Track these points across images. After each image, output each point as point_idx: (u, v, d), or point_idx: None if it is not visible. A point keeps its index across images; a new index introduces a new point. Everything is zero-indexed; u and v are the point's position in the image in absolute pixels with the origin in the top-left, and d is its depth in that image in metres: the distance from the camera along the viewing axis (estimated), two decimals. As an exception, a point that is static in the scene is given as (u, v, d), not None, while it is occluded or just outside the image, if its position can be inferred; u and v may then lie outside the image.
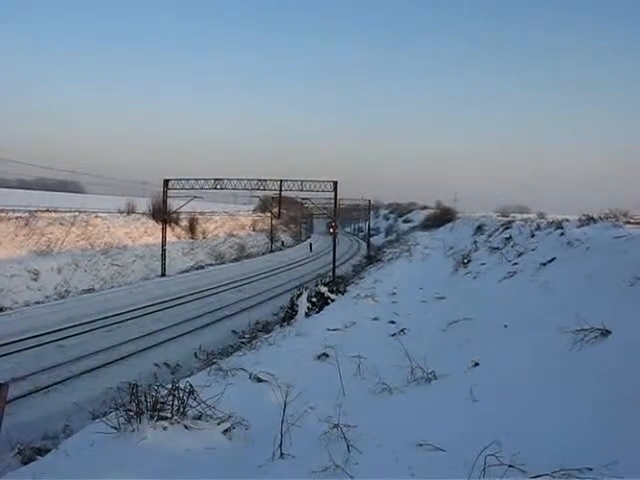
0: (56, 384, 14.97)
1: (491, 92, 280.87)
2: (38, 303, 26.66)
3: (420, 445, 5.63)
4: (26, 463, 8.28)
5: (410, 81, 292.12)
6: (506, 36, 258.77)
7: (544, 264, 14.35)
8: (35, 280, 28.54)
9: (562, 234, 16.54)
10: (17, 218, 31.99)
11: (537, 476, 4.16)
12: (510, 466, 4.50)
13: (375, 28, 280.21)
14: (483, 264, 20.96)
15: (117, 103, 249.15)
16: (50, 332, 20.18)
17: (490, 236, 28.99)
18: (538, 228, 21.67)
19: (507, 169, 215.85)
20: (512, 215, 45.83)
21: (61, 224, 34.80)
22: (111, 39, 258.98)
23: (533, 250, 17.41)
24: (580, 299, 9.52)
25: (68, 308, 25.50)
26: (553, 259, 14.24)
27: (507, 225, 28.67)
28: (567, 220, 20.75)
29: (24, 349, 17.81)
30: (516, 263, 17.06)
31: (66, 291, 29.66)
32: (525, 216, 40.81)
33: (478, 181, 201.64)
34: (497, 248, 22.59)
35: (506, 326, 10.23)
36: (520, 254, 18.13)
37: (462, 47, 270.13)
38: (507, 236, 23.96)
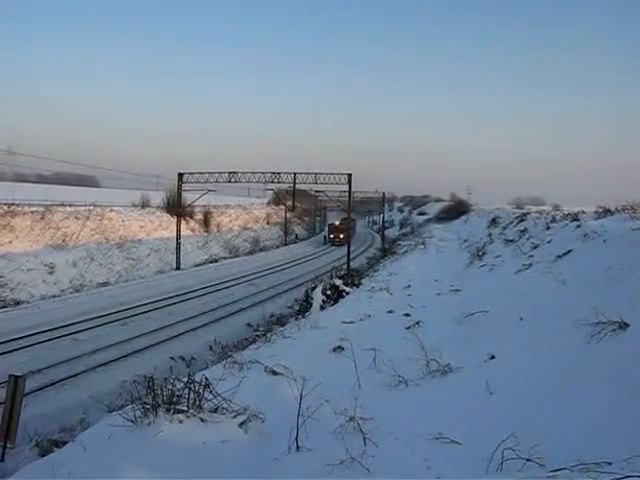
0: (72, 377, 15.12)
1: (504, 85, 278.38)
2: (54, 297, 26.91)
3: (437, 438, 5.62)
4: (43, 455, 8.37)
5: (425, 76, 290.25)
6: (518, 32, 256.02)
7: (560, 257, 14.20)
8: (51, 274, 28.79)
9: (578, 226, 16.34)
10: (33, 212, 32.22)
11: (555, 470, 4.12)
12: (528, 460, 4.47)
13: (390, 24, 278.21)
14: (498, 257, 20.80)
15: (132, 98, 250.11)
16: (66, 325, 20.38)
17: (505, 228, 28.73)
18: (553, 220, 21.45)
19: (521, 161, 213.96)
20: (527, 207, 45.45)
21: (76, 218, 35.00)
22: (125, 36, 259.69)
23: (549, 242, 17.23)
24: (597, 292, 9.40)
25: (83, 302, 25.76)
26: (569, 251, 14.08)
27: (522, 217, 28.35)
28: (583, 212, 20.52)
29: (40, 342, 18.00)
30: (532, 255, 16.90)
31: (81, 285, 29.90)
32: (540, 208, 40.46)
33: (492, 173, 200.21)
34: (512, 240, 22.39)
35: (522, 319, 10.14)
36: (535, 246, 17.96)
37: (476, 44, 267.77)
38: (522, 228, 23.73)
